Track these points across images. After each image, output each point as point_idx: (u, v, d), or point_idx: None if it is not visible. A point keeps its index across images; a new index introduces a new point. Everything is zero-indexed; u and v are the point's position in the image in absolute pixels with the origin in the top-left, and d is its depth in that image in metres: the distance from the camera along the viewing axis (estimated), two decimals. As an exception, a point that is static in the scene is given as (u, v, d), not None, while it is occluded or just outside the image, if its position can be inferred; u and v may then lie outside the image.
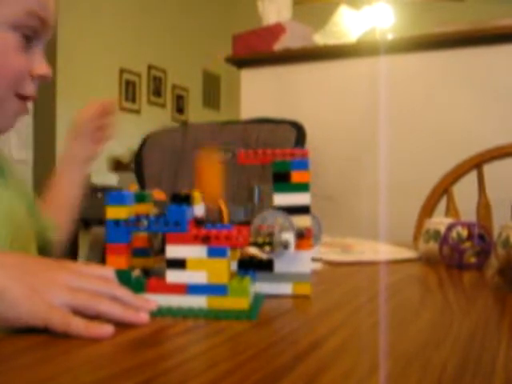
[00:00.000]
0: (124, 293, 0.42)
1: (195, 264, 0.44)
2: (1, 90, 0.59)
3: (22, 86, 0.61)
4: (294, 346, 0.35)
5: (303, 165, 0.50)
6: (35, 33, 0.60)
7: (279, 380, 0.28)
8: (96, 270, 0.44)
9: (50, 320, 0.36)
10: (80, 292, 0.40)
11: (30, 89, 0.62)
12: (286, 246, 0.47)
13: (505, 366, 0.31)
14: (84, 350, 0.34)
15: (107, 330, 0.36)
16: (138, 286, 0.45)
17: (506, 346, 0.36)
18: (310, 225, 0.50)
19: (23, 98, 0.62)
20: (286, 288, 0.50)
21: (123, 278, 0.45)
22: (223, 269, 0.43)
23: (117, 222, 0.45)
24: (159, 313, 0.42)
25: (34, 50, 0.61)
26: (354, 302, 0.51)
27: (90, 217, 3.42)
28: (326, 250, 0.80)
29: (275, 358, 0.32)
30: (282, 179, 0.50)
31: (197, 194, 0.49)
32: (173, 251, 0.44)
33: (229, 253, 0.44)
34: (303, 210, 0.50)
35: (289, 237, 0.48)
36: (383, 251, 0.84)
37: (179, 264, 0.44)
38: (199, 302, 0.43)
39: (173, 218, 0.44)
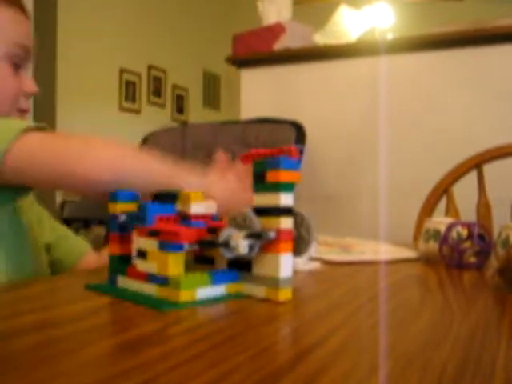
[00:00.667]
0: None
1: (151, 255, 0.49)
2: (6, 108, 0.73)
3: (19, 102, 0.75)
4: (294, 346, 0.35)
5: (275, 164, 0.48)
6: (21, 59, 0.74)
7: (279, 380, 0.28)
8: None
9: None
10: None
11: (25, 104, 0.77)
12: (226, 245, 0.47)
13: (505, 366, 0.31)
14: (84, 350, 0.34)
15: None
16: (122, 271, 0.52)
17: (506, 346, 0.36)
18: (287, 227, 0.48)
19: (21, 111, 0.76)
20: (259, 291, 0.49)
21: (113, 262, 0.53)
22: (168, 262, 0.47)
23: (112, 216, 0.53)
24: (118, 293, 0.49)
25: (21, 73, 0.75)
26: (353, 302, 0.51)
27: (90, 216, 3.43)
28: (326, 250, 0.80)
29: (275, 358, 0.32)
30: (259, 179, 0.49)
31: (196, 194, 0.51)
32: (139, 243, 0.50)
33: (178, 247, 0.47)
34: (275, 211, 0.48)
35: (234, 237, 0.47)
36: (383, 251, 0.84)
37: (143, 254, 0.49)
38: (153, 290, 0.48)
39: (141, 214, 0.50)
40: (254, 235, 0.47)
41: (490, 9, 3.49)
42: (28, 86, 0.76)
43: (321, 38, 2.05)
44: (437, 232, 0.78)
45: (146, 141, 1.86)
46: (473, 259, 0.72)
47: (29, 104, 0.78)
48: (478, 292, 0.59)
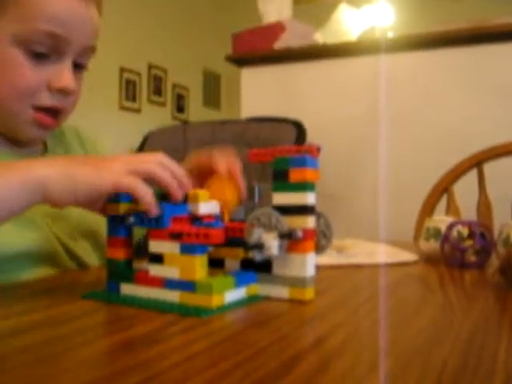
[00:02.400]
0: (175, 167, 0.49)
1: (170, 259, 0.46)
2: (13, 102, 0.62)
3: (36, 98, 0.63)
4: (294, 344, 0.35)
5: (301, 162, 0.47)
6: (52, 48, 0.61)
7: (279, 379, 0.28)
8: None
9: (119, 182, 0.45)
10: (135, 163, 0.47)
11: (46, 101, 0.63)
12: (259, 246, 0.45)
13: (505, 365, 0.31)
14: (83, 348, 0.34)
15: (157, 211, 0.45)
16: (128, 277, 0.48)
17: (506, 344, 0.36)
18: (311, 226, 0.48)
19: (41, 109, 0.64)
20: (282, 292, 0.48)
21: (116, 267, 0.49)
22: (193, 265, 0.44)
23: (114, 218, 0.49)
24: (134, 302, 0.45)
25: (54, 64, 0.62)
26: (353, 300, 0.51)
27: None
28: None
29: (275, 356, 0.32)
30: (280, 177, 0.48)
31: (202, 193, 0.49)
32: (153, 246, 0.47)
33: (202, 250, 0.45)
34: (301, 210, 0.47)
35: (266, 238, 0.45)
36: (379, 253, 0.83)
37: (158, 259, 0.46)
38: (173, 296, 0.45)
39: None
40: (285, 235, 0.46)
41: (489, 7, 3.48)
42: (57, 79, 0.62)
43: (321, 37, 2.04)
44: (437, 231, 0.77)
45: (145, 140, 1.86)
46: (474, 258, 0.72)
47: (55, 102, 0.64)
48: (479, 290, 0.59)
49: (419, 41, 1.82)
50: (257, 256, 0.46)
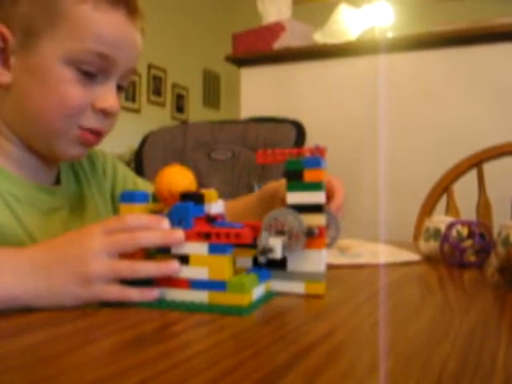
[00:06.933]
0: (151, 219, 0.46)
1: (197, 260, 0.45)
2: (60, 121, 0.61)
3: (82, 118, 0.62)
4: (295, 344, 0.35)
5: (316, 163, 0.50)
6: (100, 69, 0.61)
7: (280, 378, 0.29)
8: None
9: (108, 297, 0.44)
10: (116, 243, 0.45)
11: (90, 121, 0.63)
12: (268, 251, 0.47)
13: (504, 364, 0.31)
14: (84, 348, 0.34)
15: (156, 293, 0.45)
16: (149, 281, 0.46)
17: (506, 344, 0.36)
18: (324, 224, 0.50)
19: (85, 130, 0.63)
20: (298, 287, 0.50)
21: None
22: (223, 265, 0.44)
23: None
24: (162, 305, 0.45)
25: (100, 84, 0.62)
26: (353, 300, 0.51)
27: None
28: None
29: (276, 356, 0.32)
30: (294, 178, 0.50)
31: (213, 193, 0.49)
32: (177, 247, 0.46)
33: (230, 250, 0.45)
34: (316, 208, 0.49)
35: (273, 242, 0.46)
36: (382, 253, 0.83)
37: (183, 260, 0.46)
38: (201, 296, 0.45)
39: (177, 216, 0.46)
40: (309, 233, 0.48)
41: (489, 7, 3.49)
42: (102, 100, 0.62)
43: (321, 37, 2.04)
44: (437, 231, 0.78)
45: (145, 140, 1.86)
46: (473, 258, 0.72)
47: (98, 123, 0.63)
48: (478, 290, 0.59)
49: (419, 41, 1.82)
50: (261, 259, 0.47)
